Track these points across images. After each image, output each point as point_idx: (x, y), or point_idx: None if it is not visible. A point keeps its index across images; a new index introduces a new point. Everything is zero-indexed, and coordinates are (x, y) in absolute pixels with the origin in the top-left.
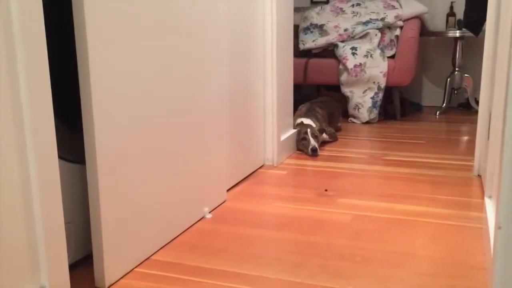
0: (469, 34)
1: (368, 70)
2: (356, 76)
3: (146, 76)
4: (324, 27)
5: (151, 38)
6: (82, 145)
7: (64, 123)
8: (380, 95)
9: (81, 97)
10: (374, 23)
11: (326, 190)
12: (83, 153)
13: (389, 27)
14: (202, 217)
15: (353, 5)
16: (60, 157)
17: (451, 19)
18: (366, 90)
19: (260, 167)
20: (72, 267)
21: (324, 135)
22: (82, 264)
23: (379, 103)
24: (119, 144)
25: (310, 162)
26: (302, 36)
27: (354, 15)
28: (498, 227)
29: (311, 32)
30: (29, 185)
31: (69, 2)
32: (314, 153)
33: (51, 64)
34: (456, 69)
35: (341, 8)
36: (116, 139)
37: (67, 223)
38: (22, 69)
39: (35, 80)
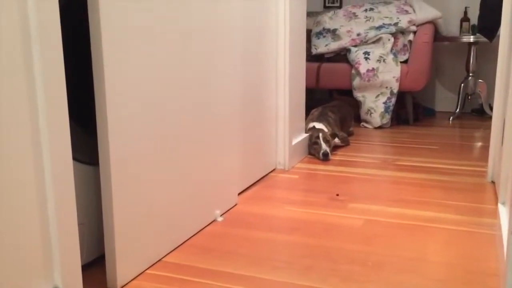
0: (483, 39)
1: (380, 75)
2: (368, 80)
3: (160, 80)
4: (337, 32)
5: (165, 42)
6: (96, 147)
7: (78, 125)
8: (393, 100)
9: (96, 99)
10: (387, 28)
11: (337, 195)
12: (97, 155)
13: (402, 32)
14: (214, 220)
15: (366, 10)
16: (74, 158)
17: (465, 24)
18: (379, 95)
19: (272, 171)
20: (85, 268)
21: (336, 140)
22: (95, 265)
23: (391, 108)
24: (132, 146)
25: (321, 167)
26: (314, 41)
27: (367, 20)
28: (511, 232)
29: (324, 36)
30: (44, 186)
31: (84, 5)
32: (325, 158)
33: (66, 67)
34: (470, 74)
35: (354, 13)
36: (130, 142)
37: (80, 224)
38: (39, 71)
39: (51, 83)
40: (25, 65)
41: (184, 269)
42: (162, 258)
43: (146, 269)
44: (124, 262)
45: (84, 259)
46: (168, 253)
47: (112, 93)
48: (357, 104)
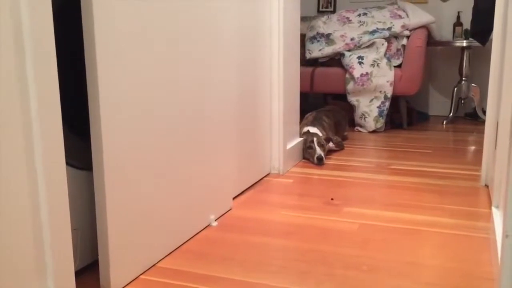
0: (476, 43)
1: (374, 79)
2: (362, 85)
3: (154, 85)
4: (331, 36)
5: (161, 47)
6: (90, 152)
7: (72, 130)
8: (387, 104)
9: (89, 104)
10: (380, 33)
11: (332, 199)
12: (91, 160)
13: (396, 36)
14: (208, 225)
15: (359, 15)
16: (67, 163)
17: (458, 28)
18: (373, 99)
19: (266, 175)
20: (79, 273)
21: (331, 144)
22: (88, 270)
23: (385, 112)
24: (126, 151)
25: (316, 171)
26: (308, 45)
27: (360, 25)
28: (505, 236)
29: (318, 41)
30: (37, 191)
31: (78, 10)
32: (319, 162)
33: (59, 71)
34: (463, 78)
35: (347, 18)
36: (124, 147)
37: (73, 229)
38: (32, 76)
39: (44, 87)
40: (18, 70)
41: (178, 275)
42: (156, 263)
43: (140, 275)
44: (118, 267)
45: (77, 265)
46: (162, 259)
47: (106, 98)
48: (351, 109)
